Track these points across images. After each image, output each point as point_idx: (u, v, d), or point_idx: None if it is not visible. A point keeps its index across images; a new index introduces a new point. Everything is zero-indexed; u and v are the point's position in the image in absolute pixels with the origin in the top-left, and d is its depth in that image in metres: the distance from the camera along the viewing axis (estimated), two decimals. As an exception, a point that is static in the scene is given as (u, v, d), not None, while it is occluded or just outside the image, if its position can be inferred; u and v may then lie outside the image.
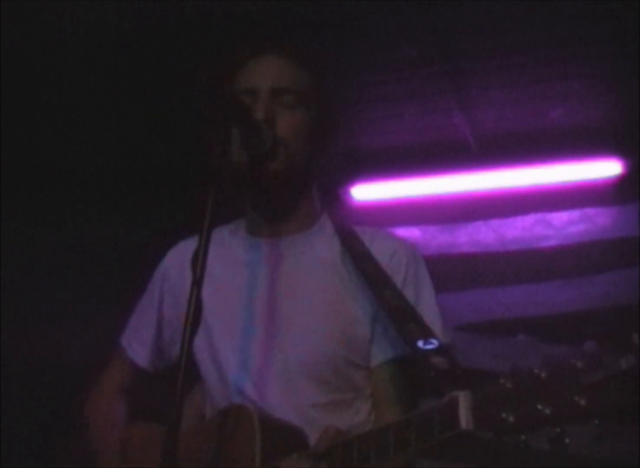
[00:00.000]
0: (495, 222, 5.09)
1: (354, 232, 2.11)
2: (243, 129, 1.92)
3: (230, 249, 2.15)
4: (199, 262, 1.69)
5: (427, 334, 1.75)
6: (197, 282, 1.68)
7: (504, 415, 1.37)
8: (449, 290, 4.89)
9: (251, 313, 2.05)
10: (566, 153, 4.86)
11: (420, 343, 1.72)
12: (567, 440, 1.33)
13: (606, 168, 4.91)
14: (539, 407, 1.34)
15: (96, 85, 4.14)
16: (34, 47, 3.85)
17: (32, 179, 4.89)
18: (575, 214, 5.00)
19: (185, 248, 2.22)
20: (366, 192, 5.15)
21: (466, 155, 4.95)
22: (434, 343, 1.72)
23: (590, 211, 4.98)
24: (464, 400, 1.44)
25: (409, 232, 4.99)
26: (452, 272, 4.93)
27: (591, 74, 4.40)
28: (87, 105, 4.29)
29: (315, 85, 2.11)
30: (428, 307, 2.00)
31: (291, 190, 2.08)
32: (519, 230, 5.05)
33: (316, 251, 2.09)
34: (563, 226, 5.01)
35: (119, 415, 2.21)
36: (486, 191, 5.03)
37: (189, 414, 2.00)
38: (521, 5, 3.82)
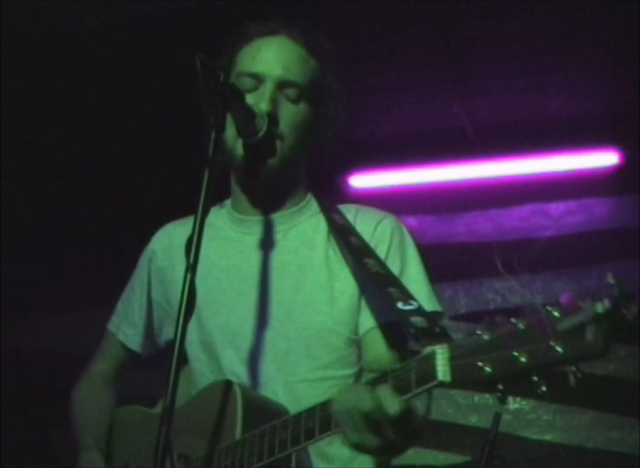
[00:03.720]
0: (492, 212, 5.09)
1: (337, 209, 2.12)
2: (237, 115, 1.92)
3: (217, 228, 2.14)
4: (193, 247, 1.68)
5: (406, 296, 1.79)
6: (192, 267, 1.68)
7: (480, 364, 1.39)
8: (446, 279, 4.90)
9: (240, 290, 2.06)
10: (564, 143, 4.85)
11: (399, 305, 1.76)
12: (544, 388, 1.34)
13: (604, 158, 4.91)
14: (515, 354, 1.35)
15: (93, 69, 4.14)
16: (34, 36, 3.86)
17: (30, 170, 4.89)
18: (572, 204, 5.01)
19: (172, 231, 2.22)
20: (364, 181, 5.16)
21: (464, 144, 4.94)
22: (412, 304, 1.76)
23: (587, 202, 4.98)
24: (440, 353, 1.46)
25: (407, 222, 4.97)
26: (449, 261, 4.94)
27: (589, 65, 4.40)
28: (85, 90, 4.28)
29: (321, 77, 2.08)
30: (414, 274, 2.01)
31: (284, 179, 2.09)
32: (516, 220, 5.05)
33: (303, 228, 2.10)
34: (560, 216, 5.01)
35: (105, 400, 2.22)
36: (484, 181, 5.03)
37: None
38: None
